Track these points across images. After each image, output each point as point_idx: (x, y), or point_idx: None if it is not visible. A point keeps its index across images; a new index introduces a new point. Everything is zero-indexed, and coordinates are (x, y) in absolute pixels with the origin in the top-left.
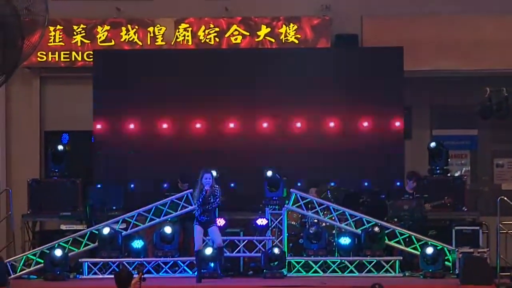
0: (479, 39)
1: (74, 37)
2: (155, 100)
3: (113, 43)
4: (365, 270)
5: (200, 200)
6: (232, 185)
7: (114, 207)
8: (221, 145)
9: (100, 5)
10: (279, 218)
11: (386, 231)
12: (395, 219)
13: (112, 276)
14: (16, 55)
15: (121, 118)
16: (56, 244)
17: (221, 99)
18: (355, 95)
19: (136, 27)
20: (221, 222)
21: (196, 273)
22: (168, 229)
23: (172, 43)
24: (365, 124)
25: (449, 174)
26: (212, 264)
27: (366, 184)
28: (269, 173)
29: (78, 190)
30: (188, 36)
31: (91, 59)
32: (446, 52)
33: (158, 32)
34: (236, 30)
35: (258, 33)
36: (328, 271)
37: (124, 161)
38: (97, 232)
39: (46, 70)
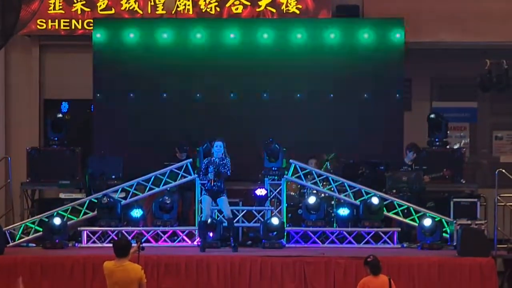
0: (480, 11)
1: (74, 5)
2: (155, 70)
3: (113, 11)
4: (363, 241)
5: (203, 172)
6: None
7: (113, 176)
8: (221, 116)
9: None
10: (278, 189)
11: (385, 203)
12: (394, 191)
13: (111, 244)
14: (15, 20)
15: (120, 87)
16: (55, 213)
17: (221, 68)
18: (355, 66)
19: None
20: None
21: (199, 242)
22: (167, 199)
23: (173, 12)
24: (365, 95)
25: (448, 146)
26: (211, 234)
27: (365, 155)
28: (269, 144)
29: (77, 159)
30: (188, 5)
31: (91, 27)
32: (447, 24)
33: (159, 1)
34: None
35: (259, 3)
36: (327, 242)
37: (123, 131)
38: (96, 200)
39: (46, 38)
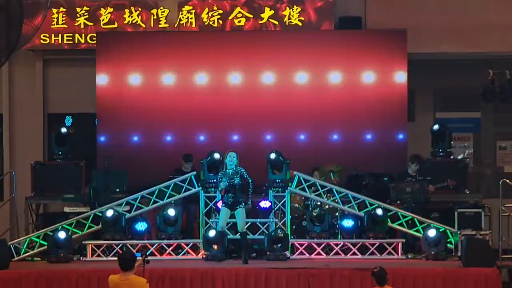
0: (482, 22)
1: (77, 19)
2: (158, 83)
3: (116, 25)
4: (368, 253)
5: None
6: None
7: (117, 190)
8: (224, 128)
9: None
10: (282, 201)
11: (389, 214)
12: (398, 202)
13: (116, 258)
14: (18, 36)
15: (124, 101)
16: (60, 227)
17: (224, 82)
18: (358, 78)
19: (140, 9)
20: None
21: (204, 255)
22: (171, 212)
23: (176, 25)
24: (368, 107)
25: (452, 157)
26: (215, 247)
27: (369, 166)
28: (272, 156)
29: (81, 173)
30: (191, 18)
31: (94, 42)
32: (450, 35)
33: (162, 14)
34: (239, 12)
35: (262, 15)
36: (331, 253)
37: (127, 144)
38: (100, 214)
39: (49, 52)
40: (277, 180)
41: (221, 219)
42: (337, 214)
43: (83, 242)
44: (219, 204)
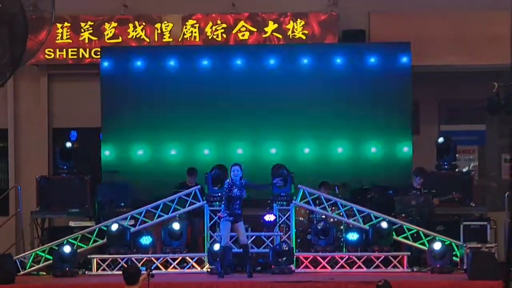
0: (486, 35)
1: (81, 34)
2: (162, 97)
3: (120, 39)
4: (373, 266)
5: (226, 192)
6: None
7: (122, 204)
8: (228, 137)
9: (107, 2)
10: (287, 214)
11: (394, 227)
12: (403, 215)
13: (121, 272)
14: (23, 51)
15: (129, 115)
16: (65, 241)
17: (227, 97)
18: (362, 91)
19: (144, 23)
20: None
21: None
22: (176, 226)
23: (180, 39)
24: (373, 119)
25: (457, 170)
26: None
27: (374, 179)
28: (277, 169)
29: (86, 187)
30: (195, 32)
31: (99, 56)
32: (454, 48)
33: (166, 29)
34: (243, 26)
35: (266, 29)
36: (336, 267)
37: (132, 158)
38: (105, 228)
39: (54, 67)
40: (281, 194)
41: (224, 234)
42: (342, 227)
43: (88, 256)
44: None
